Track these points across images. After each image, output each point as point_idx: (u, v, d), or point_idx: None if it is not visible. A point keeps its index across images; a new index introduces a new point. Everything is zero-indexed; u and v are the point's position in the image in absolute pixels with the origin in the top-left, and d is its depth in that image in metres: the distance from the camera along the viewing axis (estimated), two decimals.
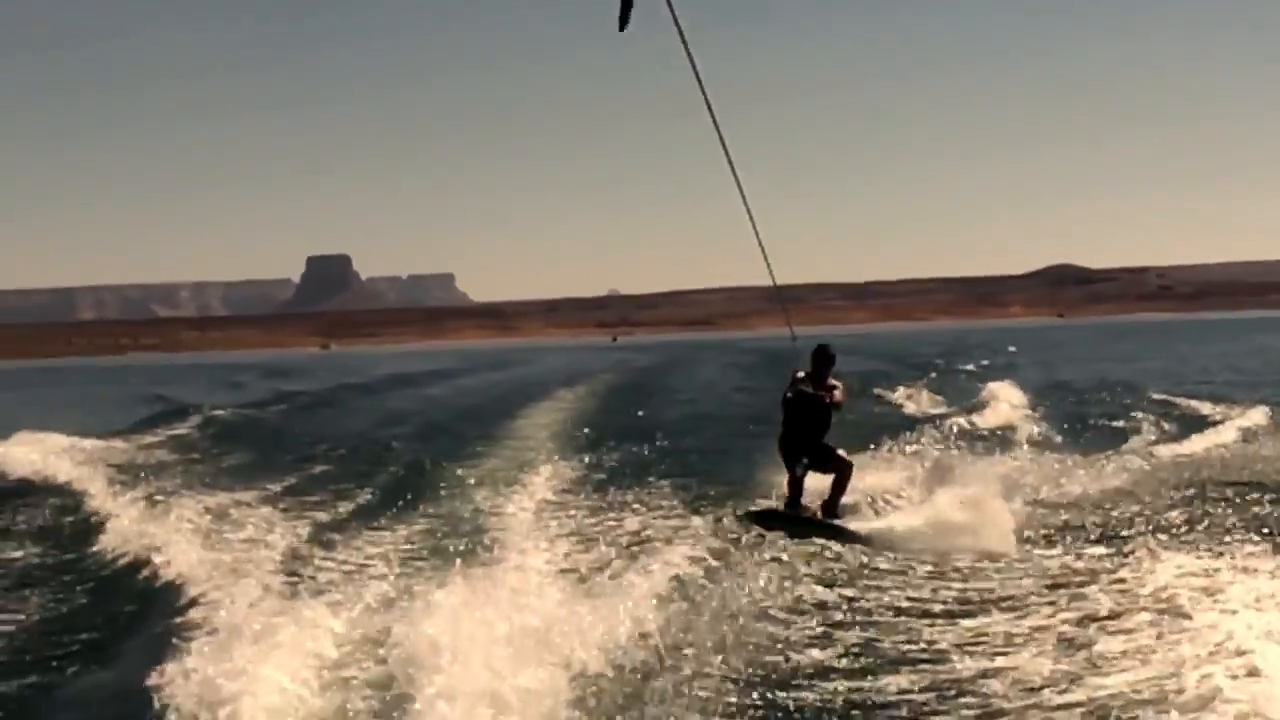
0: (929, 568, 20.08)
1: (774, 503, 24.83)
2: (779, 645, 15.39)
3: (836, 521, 23.66)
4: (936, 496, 24.09)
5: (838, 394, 24.56)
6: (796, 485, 24.40)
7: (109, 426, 50.25)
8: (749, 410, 50.93)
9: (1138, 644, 14.69)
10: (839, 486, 24.57)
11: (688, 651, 14.55)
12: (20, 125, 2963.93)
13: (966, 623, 16.47)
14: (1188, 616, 15.34)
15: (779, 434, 24.71)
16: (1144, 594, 17.06)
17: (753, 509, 24.52)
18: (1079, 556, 20.15)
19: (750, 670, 14.25)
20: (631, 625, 14.96)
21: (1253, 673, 12.78)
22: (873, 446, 32.71)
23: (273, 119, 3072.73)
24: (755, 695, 13.43)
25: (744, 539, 21.45)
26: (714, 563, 19.22)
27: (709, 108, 19.86)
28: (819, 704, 13.28)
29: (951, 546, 21.43)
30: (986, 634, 15.83)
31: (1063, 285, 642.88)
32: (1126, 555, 19.75)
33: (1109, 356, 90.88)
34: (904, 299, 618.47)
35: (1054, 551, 20.98)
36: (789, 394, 24.54)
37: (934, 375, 58.25)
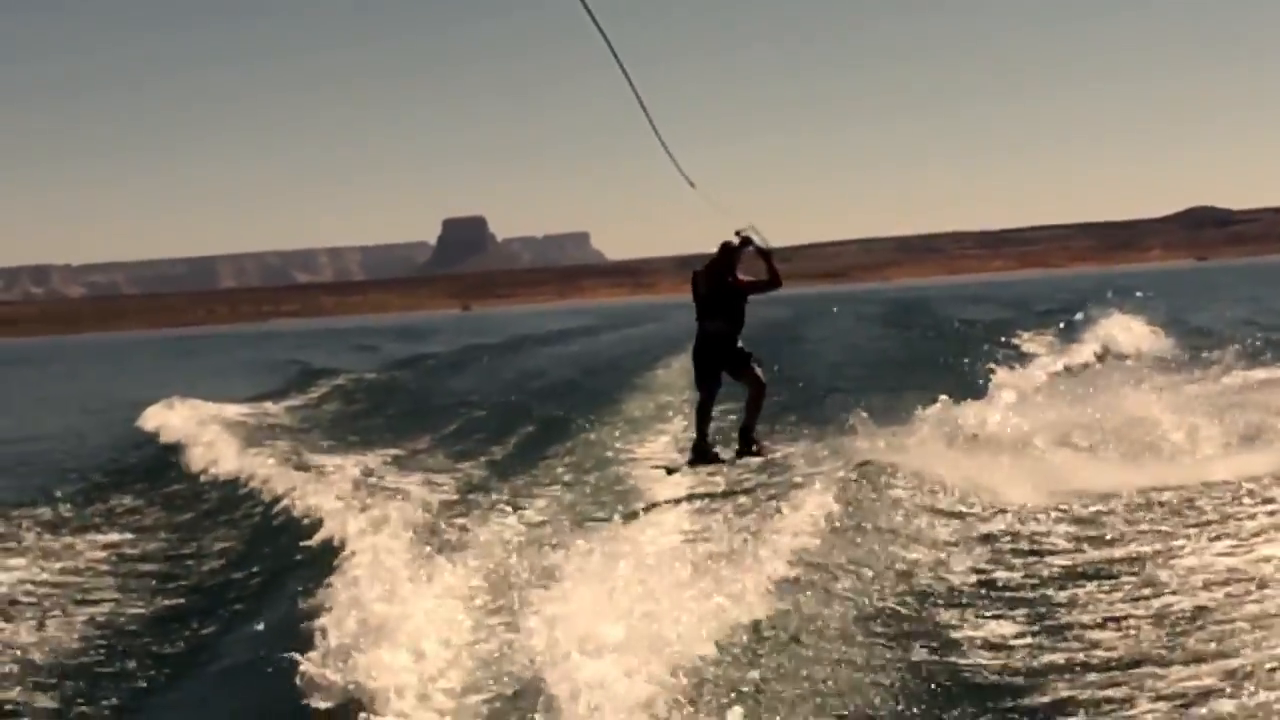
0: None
1: (680, 458, 23.74)
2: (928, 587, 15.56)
3: (759, 459, 22.84)
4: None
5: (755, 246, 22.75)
6: (705, 412, 23.03)
7: (253, 391, 50.96)
8: (879, 359, 51.34)
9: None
10: (754, 409, 23.16)
11: (826, 603, 14.51)
12: (158, 100, 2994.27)
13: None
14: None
15: (692, 345, 23.30)
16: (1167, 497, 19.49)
17: (665, 465, 23.62)
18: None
19: (894, 613, 14.41)
20: (772, 575, 14.92)
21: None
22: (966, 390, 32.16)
23: (406, 83, 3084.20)
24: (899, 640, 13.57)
25: (877, 484, 21.17)
26: (851, 509, 19.02)
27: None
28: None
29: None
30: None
31: (1202, 227, 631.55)
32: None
33: (1242, 297, 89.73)
34: (1040, 246, 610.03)
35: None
36: (702, 281, 22.97)
37: (1059, 321, 58.32)
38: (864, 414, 24.84)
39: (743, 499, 21.17)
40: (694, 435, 23.35)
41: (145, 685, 14.54)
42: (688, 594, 13.57)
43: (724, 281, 22.71)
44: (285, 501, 23.00)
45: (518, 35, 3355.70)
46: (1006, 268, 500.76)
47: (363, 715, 11.26)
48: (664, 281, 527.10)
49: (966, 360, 42.02)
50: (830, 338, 74.33)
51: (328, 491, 23.30)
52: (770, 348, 66.17)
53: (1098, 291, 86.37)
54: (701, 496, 21.82)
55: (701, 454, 22.77)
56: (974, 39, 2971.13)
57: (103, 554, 21.63)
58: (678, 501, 21.43)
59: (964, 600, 15.13)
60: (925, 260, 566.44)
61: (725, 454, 23.17)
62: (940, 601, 15.03)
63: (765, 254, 22.86)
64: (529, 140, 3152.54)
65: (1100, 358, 40.80)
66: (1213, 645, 12.52)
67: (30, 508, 25.99)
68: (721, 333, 22.81)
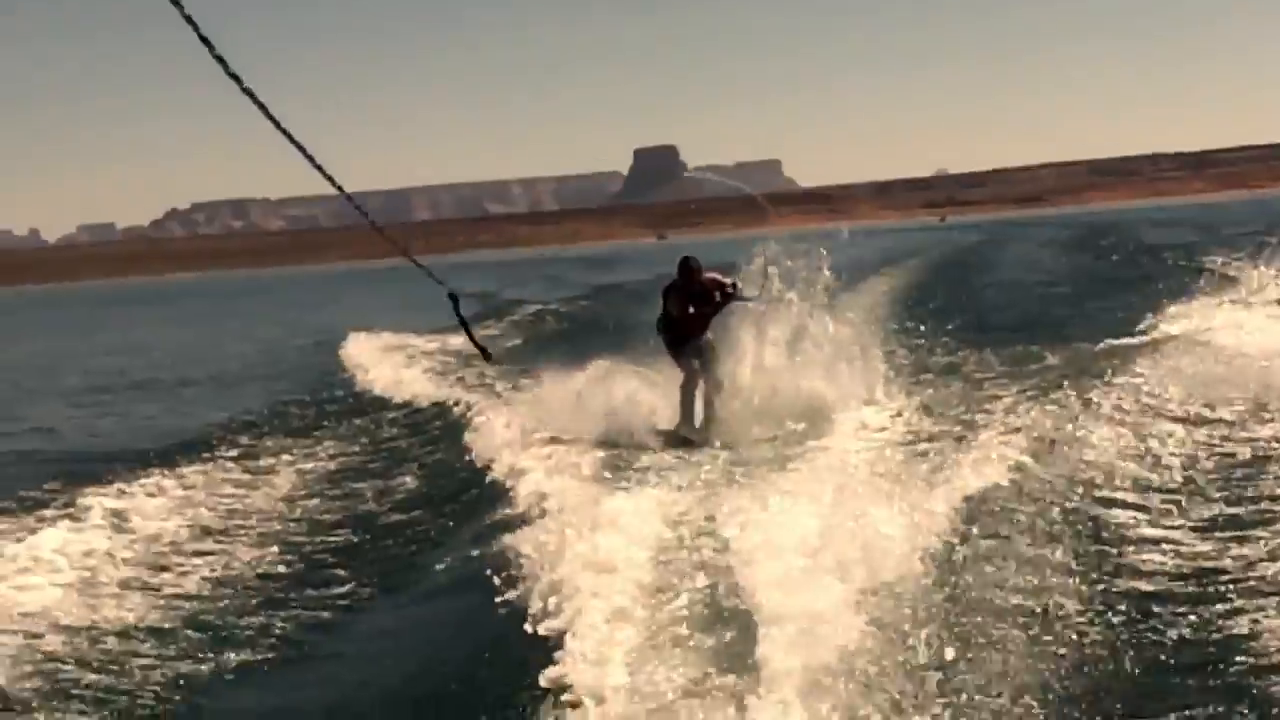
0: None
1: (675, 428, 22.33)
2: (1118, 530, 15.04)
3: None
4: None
5: (719, 286, 23.31)
6: (690, 392, 22.38)
7: (449, 322, 51.58)
8: (1064, 285, 51.33)
9: None
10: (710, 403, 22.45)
11: (1011, 542, 14.00)
12: (354, 36, 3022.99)
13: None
14: None
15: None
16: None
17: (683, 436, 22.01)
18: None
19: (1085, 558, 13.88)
20: (960, 507, 14.71)
21: None
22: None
23: (597, 13, 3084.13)
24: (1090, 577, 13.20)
25: (1068, 403, 20.96)
26: (1041, 443, 18.44)
27: None
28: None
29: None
30: None
31: None
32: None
33: None
34: (1242, 167, 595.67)
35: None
36: (667, 321, 23.04)
37: (1248, 244, 57.61)
38: (1050, 335, 24.96)
39: (941, 420, 21.28)
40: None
41: (340, 604, 15.16)
42: (887, 512, 13.82)
43: (696, 309, 23.06)
44: (479, 430, 23.45)
45: None
46: (1206, 189, 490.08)
47: (560, 640, 11.10)
48: (857, 207, 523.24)
49: (1148, 283, 41.85)
50: (1019, 261, 74.17)
51: (521, 419, 23.65)
52: (959, 272, 66.55)
53: None
54: (896, 415, 22.02)
55: (690, 436, 21.91)
56: None
57: (302, 477, 22.51)
58: (859, 427, 21.53)
59: (1174, 523, 15.15)
60: (1122, 183, 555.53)
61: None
62: (1145, 527, 14.97)
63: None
64: (720, 69, 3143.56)
65: None
66: None
67: (241, 433, 27.23)
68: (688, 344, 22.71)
